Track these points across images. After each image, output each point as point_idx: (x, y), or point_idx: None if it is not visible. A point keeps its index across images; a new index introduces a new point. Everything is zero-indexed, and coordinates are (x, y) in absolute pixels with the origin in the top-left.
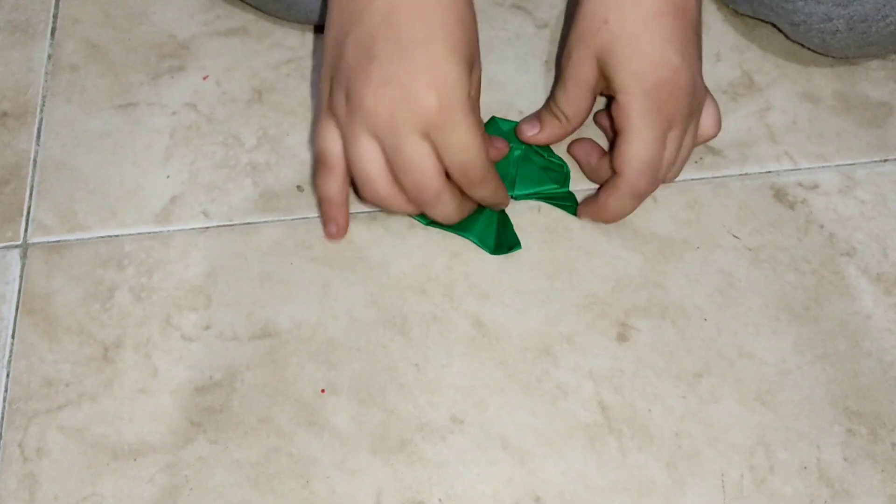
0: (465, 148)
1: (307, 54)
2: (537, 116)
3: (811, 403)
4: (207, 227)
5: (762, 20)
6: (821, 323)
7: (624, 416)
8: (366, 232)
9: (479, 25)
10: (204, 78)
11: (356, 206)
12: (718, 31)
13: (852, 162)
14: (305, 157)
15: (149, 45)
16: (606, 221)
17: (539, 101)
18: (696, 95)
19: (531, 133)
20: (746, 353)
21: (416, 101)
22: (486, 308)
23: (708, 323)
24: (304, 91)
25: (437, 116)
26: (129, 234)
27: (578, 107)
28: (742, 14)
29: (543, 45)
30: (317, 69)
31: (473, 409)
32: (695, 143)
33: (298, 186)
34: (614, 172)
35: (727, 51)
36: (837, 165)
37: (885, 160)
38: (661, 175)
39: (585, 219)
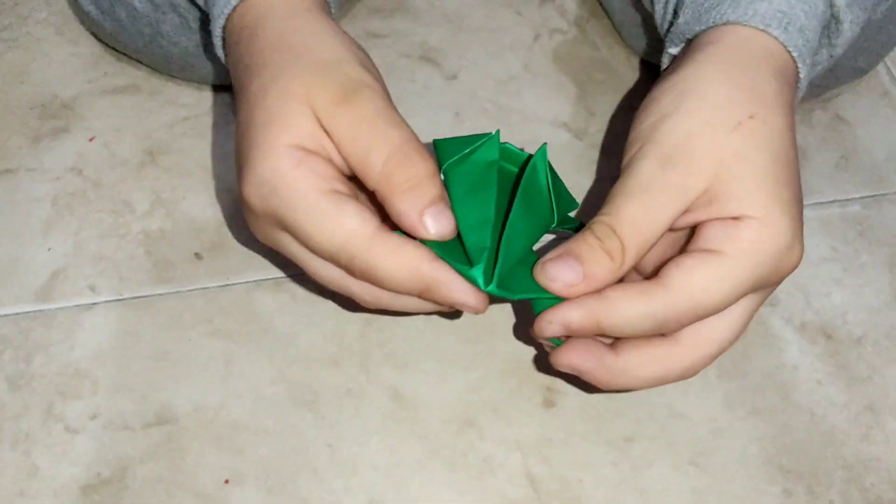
0: (306, 236)
1: (204, 111)
2: (571, 251)
3: (745, 463)
4: (94, 304)
5: None
6: (749, 377)
7: (555, 488)
8: (271, 300)
9: (387, 79)
10: (90, 140)
11: (261, 272)
12: (630, 79)
13: None
14: (203, 220)
15: (28, 105)
16: (590, 330)
17: None
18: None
19: (573, 283)
20: (677, 413)
21: (250, 195)
22: (404, 378)
23: None
24: (201, 151)
25: (261, 209)
26: (6, 315)
27: (653, 231)
28: (653, 63)
29: (453, 96)
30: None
31: (394, 490)
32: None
33: (196, 254)
34: (659, 277)
35: (638, 99)
36: None
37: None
38: (709, 352)
39: (568, 317)
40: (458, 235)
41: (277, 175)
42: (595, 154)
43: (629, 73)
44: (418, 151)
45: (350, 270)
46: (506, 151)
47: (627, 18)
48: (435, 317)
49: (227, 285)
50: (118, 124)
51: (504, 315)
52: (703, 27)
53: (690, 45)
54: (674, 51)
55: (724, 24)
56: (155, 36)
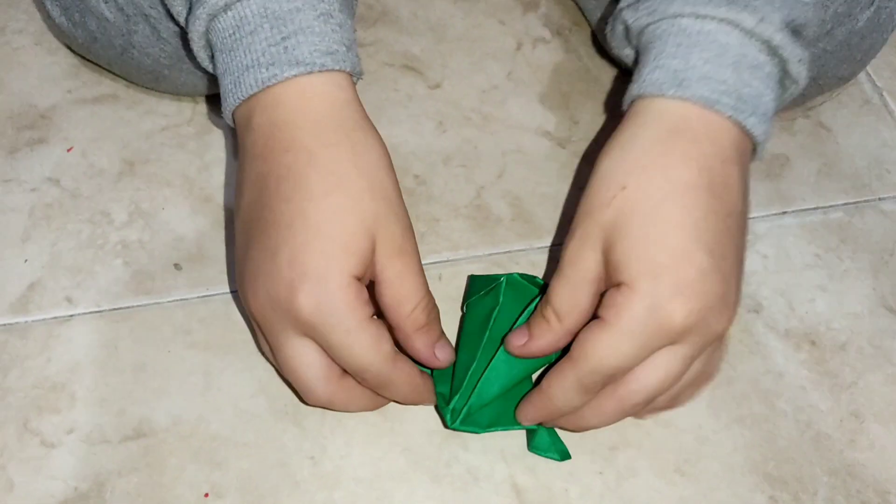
0: (348, 352)
1: (184, 121)
2: (527, 323)
3: (731, 471)
4: (72, 316)
5: None
6: (734, 384)
7: (540, 498)
8: None
9: (370, 87)
10: (68, 150)
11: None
12: (612, 88)
13: (752, 216)
14: (183, 231)
15: (5, 115)
16: (550, 418)
17: (434, 163)
18: (721, 320)
19: (519, 344)
20: (662, 421)
21: (281, 301)
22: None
23: None
24: (180, 160)
25: (307, 317)
26: None
27: (576, 301)
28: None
29: (436, 105)
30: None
31: (377, 502)
32: (707, 375)
33: (176, 265)
34: (568, 355)
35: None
36: None
37: (784, 212)
38: (622, 390)
39: (525, 416)
40: (454, 369)
41: (341, 303)
42: (578, 162)
43: (611, 82)
44: (433, 303)
45: (365, 380)
46: (516, 284)
47: (607, 27)
48: None
49: (207, 296)
50: (96, 134)
51: None
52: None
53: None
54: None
55: (635, 98)
56: (127, 47)
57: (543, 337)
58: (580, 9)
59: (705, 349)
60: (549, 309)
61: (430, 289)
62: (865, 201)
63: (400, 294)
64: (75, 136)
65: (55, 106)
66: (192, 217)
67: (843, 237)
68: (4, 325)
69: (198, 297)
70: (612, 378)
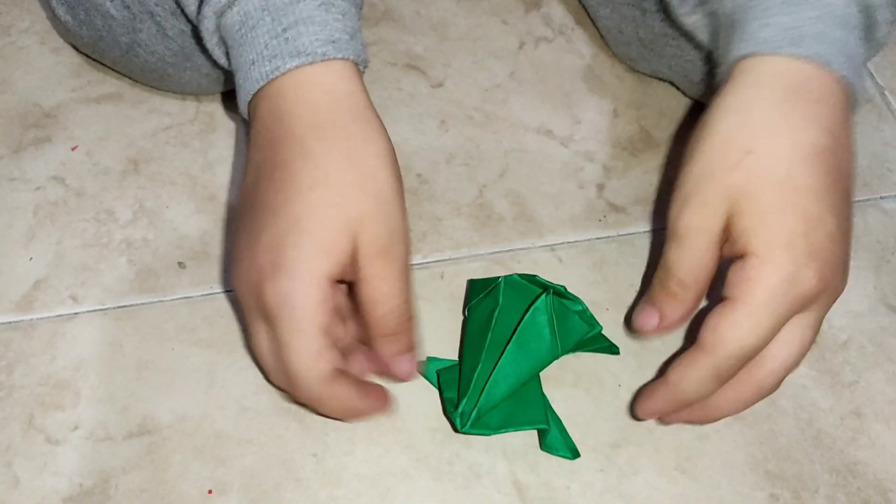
0: (286, 353)
1: (188, 120)
2: (650, 300)
3: (732, 469)
4: (76, 314)
5: (659, 78)
6: None
7: (541, 496)
8: None
9: (373, 86)
10: (73, 149)
11: None
12: (615, 87)
13: None
14: (186, 230)
15: (10, 114)
16: (675, 410)
17: (437, 162)
18: (845, 280)
19: (652, 326)
20: None
21: (252, 284)
22: (389, 386)
23: (623, 389)
24: (184, 159)
25: (268, 306)
26: None
27: (701, 268)
28: (638, 71)
29: (439, 104)
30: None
31: (379, 500)
32: (814, 340)
33: (180, 263)
34: (697, 343)
35: (623, 107)
36: None
37: None
38: (761, 371)
39: (648, 410)
40: (460, 371)
41: (301, 302)
42: (580, 161)
43: (614, 81)
44: (410, 312)
45: (293, 391)
46: (515, 284)
47: (613, 26)
48: (421, 323)
49: (211, 294)
50: (101, 133)
51: None
52: (734, 58)
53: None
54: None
55: (742, 58)
56: (132, 45)
57: (676, 311)
58: (584, 7)
59: (827, 311)
60: (674, 281)
61: (432, 287)
62: (867, 200)
63: (374, 295)
64: (80, 134)
65: (60, 105)
66: (196, 215)
67: None
68: (10, 322)
69: (201, 295)
70: (748, 359)
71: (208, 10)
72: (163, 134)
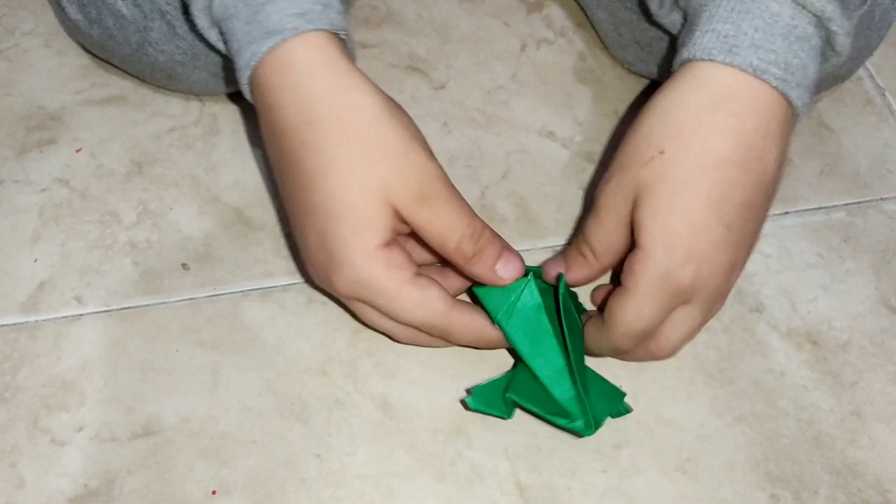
0: (397, 315)
1: (192, 122)
2: (563, 255)
3: (733, 469)
4: (81, 315)
5: (657, 80)
6: (736, 383)
7: (543, 496)
8: (259, 310)
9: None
10: (77, 150)
11: (248, 283)
12: (617, 89)
13: None
14: (190, 231)
15: (15, 117)
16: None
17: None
18: (728, 282)
19: (553, 275)
20: (664, 419)
21: (326, 283)
22: (392, 388)
23: (624, 390)
24: (188, 161)
25: (351, 295)
26: None
27: (610, 242)
28: (636, 73)
29: (441, 106)
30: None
31: (382, 500)
32: (701, 327)
33: (184, 264)
34: (602, 318)
35: (625, 108)
36: None
37: (787, 213)
38: (654, 346)
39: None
40: (544, 389)
41: (371, 276)
42: (582, 163)
43: (615, 83)
44: (479, 227)
45: (427, 331)
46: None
47: (611, 29)
48: None
49: (215, 296)
50: (105, 135)
51: None
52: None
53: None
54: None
55: (685, 61)
56: (142, 44)
57: (580, 270)
58: (583, 10)
59: (716, 304)
60: (585, 247)
61: None
62: (867, 201)
63: (437, 236)
64: (84, 137)
65: (64, 107)
66: (200, 217)
67: (845, 237)
68: (15, 324)
69: (205, 297)
70: (641, 337)
71: (194, 7)
72: (167, 136)
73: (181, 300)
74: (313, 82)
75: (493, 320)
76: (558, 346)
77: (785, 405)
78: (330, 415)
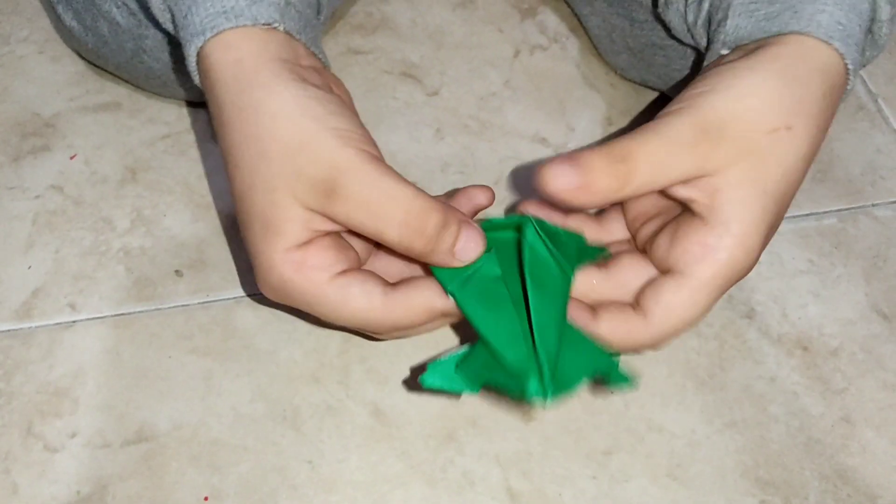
0: (333, 318)
1: (185, 129)
2: (580, 158)
3: (723, 475)
4: (74, 322)
5: (650, 87)
6: (727, 389)
7: (534, 502)
8: (252, 317)
9: (369, 95)
10: (71, 157)
11: (241, 289)
12: (609, 95)
13: None
14: (184, 238)
15: (9, 123)
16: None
17: (432, 170)
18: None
19: (567, 186)
20: (655, 425)
21: (267, 293)
22: (384, 394)
23: (615, 396)
24: (181, 168)
25: (292, 303)
26: None
27: (661, 173)
28: (629, 79)
29: (434, 113)
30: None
31: None
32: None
33: (177, 271)
34: (643, 312)
35: (617, 115)
36: None
37: None
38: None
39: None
40: (496, 357)
41: (283, 282)
42: None
43: (608, 89)
44: (423, 210)
45: (374, 332)
46: (492, 224)
47: (604, 35)
48: None
49: (208, 302)
50: (99, 142)
51: None
52: (763, 36)
53: (748, 48)
54: (725, 52)
55: (788, 33)
56: (137, 51)
57: (603, 195)
58: (577, 16)
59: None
60: (626, 165)
61: None
62: (859, 207)
63: (368, 229)
64: (78, 143)
65: (59, 114)
66: (193, 224)
67: (836, 243)
68: (8, 330)
69: (198, 304)
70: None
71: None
72: (160, 143)
73: (174, 307)
74: (219, 86)
75: (445, 291)
76: (515, 312)
77: (775, 411)
78: (322, 421)
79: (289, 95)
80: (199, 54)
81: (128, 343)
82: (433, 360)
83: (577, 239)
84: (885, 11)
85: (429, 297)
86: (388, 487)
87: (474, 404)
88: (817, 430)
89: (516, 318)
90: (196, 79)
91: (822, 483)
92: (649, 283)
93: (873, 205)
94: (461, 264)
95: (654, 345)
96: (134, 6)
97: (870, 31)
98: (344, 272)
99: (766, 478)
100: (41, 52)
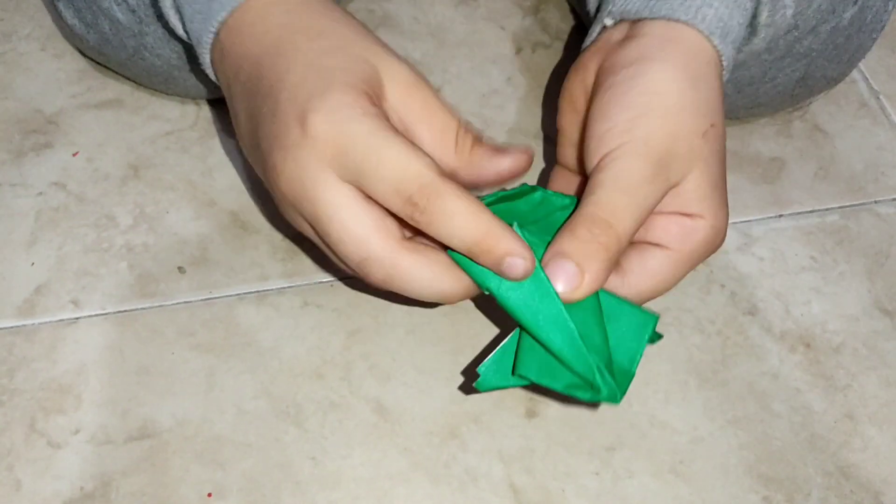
0: (390, 169)
1: (188, 126)
2: (565, 253)
3: (725, 472)
4: (77, 318)
5: None
6: (729, 386)
7: (537, 498)
8: (254, 314)
9: None
10: (74, 154)
11: (244, 286)
12: None
13: (748, 219)
14: (186, 234)
15: (12, 120)
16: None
17: None
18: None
19: (573, 285)
20: (658, 422)
21: (296, 140)
22: (387, 390)
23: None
24: (184, 165)
25: (325, 139)
26: None
27: (639, 225)
28: None
29: None
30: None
31: (377, 502)
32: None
33: (180, 268)
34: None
35: None
36: (734, 223)
37: (780, 215)
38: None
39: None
40: (554, 355)
41: (357, 107)
42: None
43: None
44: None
45: (413, 204)
46: (498, 197)
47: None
48: (418, 329)
49: (210, 299)
50: (102, 139)
51: (486, 327)
52: (651, 16)
53: (636, 29)
54: (609, 23)
55: (676, 20)
56: (139, 48)
57: (605, 272)
58: (577, 13)
59: None
60: (611, 233)
61: None
62: (861, 204)
63: (430, 133)
64: (81, 140)
65: (61, 111)
66: (196, 221)
67: (838, 240)
68: (12, 327)
69: (201, 300)
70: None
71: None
72: (163, 140)
73: (177, 303)
74: (271, 21)
75: (480, 287)
76: (561, 304)
77: (778, 408)
78: (325, 417)
79: (342, 13)
80: (225, 20)
81: (131, 339)
82: (481, 361)
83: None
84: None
85: (481, 206)
86: (391, 483)
87: (477, 401)
88: (820, 427)
89: (562, 309)
90: (207, 47)
91: (825, 479)
92: (634, 249)
93: (875, 202)
94: (521, 165)
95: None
96: (134, 3)
97: (750, 25)
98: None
99: (769, 474)
100: (43, 49)
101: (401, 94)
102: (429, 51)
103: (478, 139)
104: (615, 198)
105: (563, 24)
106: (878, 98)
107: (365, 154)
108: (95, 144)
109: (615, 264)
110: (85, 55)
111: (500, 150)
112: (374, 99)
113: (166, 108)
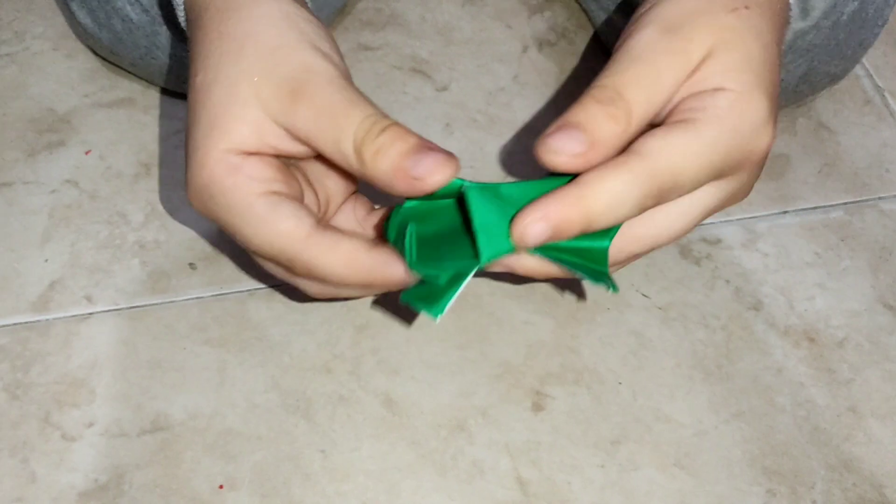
0: (253, 244)
1: None
2: (570, 120)
3: (729, 465)
4: (91, 314)
5: None
6: (734, 380)
7: (543, 490)
8: (265, 309)
9: (378, 90)
10: (86, 153)
11: (254, 282)
12: None
13: (753, 215)
14: (197, 231)
15: (25, 119)
16: (571, 226)
17: None
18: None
19: (577, 151)
20: (663, 415)
21: (192, 200)
22: (395, 385)
23: (623, 386)
24: None
25: (214, 214)
26: (3, 326)
27: (657, 98)
28: None
29: (444, 108)
30: None
31: (385, 494)
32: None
33: (191, 264)
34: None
35: None
36: (739, 219)
37: (785, 212)
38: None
39: (548, 216)
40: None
41: (213, 183)
42: None
43: None
44: (381, 120)
45: (291, 269)
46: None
47: (612, 31)
48: (426, 324)
49: (221, 294)
50: (114, 137)
51: (494, 321)
52: None
53: None
54: None
55: None
56: (151, 48)
57: (613, 141)
58: (585, 12)
59: (725, 201)
60: (620, 103)
61: None
62: (865, 200)
63: (328, 139)
64: (93, 139)
65: (73, 110)
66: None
67: (842, 236)
68: (26, 322)
69: (212, 296)
70: (676, 190)
71: None
72: (174, 138)
73: (189, 299)
74: (233, 6)
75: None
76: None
77: (782, 401)
78: (334, 411)
79: (277, 7)
80: None
81: (143, 334)
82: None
83: (547, 183)
84: None
85: (356, 247)
86: (400, 476)
87: (484, 395)
88: (823, 421)
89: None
90: (182, 16)
91: (828, 472)
92: (656, 130)
93: (880, 198)
94: (419, 184)
95: (658, 187)
96: (147, 2)
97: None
98: (279, 192)
99: (773, 467)
100: (56, 48)
101: (288, 97)
102: (436, 49)
103: (374, 150)
104: (625, 67)
105: (569, 23)
106: (882, 95)
107: (236, 226)
108: (108, 143)
109: (626, 138)
110: (97, 54)
111: (393, 173)
112: (255, 145)
113: (177, 106)
